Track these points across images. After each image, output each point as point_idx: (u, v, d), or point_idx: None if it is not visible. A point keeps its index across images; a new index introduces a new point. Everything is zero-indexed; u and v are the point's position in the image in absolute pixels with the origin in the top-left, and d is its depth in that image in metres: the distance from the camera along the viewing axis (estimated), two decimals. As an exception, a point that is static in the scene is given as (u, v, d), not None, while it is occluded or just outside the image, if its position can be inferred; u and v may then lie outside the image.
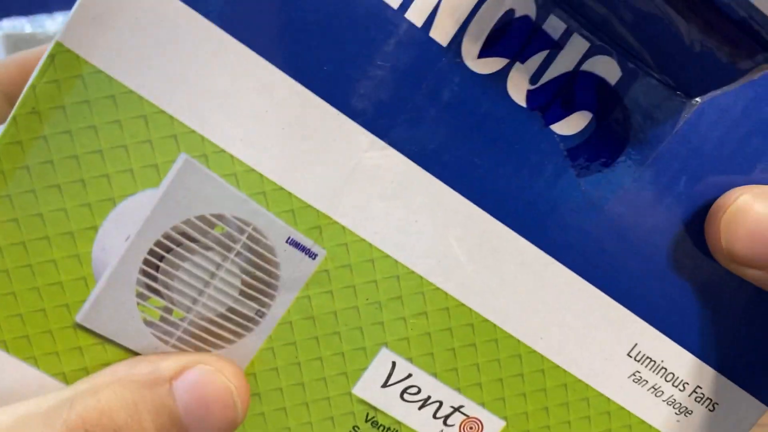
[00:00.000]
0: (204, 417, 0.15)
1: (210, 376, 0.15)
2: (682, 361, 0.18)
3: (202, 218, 0.16)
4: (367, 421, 0.17)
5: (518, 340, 0.17)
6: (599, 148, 0.16)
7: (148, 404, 0.15)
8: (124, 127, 0.15)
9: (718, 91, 0.16)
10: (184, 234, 0.16)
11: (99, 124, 0.15)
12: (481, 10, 0.15)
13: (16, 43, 0.36)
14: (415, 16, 0.15)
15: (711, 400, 0.18)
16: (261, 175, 0.16)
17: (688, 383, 0.18)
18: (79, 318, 0.16)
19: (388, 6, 0.15)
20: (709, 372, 0.18)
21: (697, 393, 0.18)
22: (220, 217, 0.16)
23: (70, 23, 0.14)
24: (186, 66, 0.15)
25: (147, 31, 0.15)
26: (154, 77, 0.15)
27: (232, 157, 0.15)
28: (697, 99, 0.16)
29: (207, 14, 0.15)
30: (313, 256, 0.16)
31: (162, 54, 0.15)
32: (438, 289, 0.17)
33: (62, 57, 0.14)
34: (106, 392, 0.15)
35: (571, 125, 0.16)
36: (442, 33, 0.15)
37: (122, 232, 0.15)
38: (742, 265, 0.16)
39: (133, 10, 0.14)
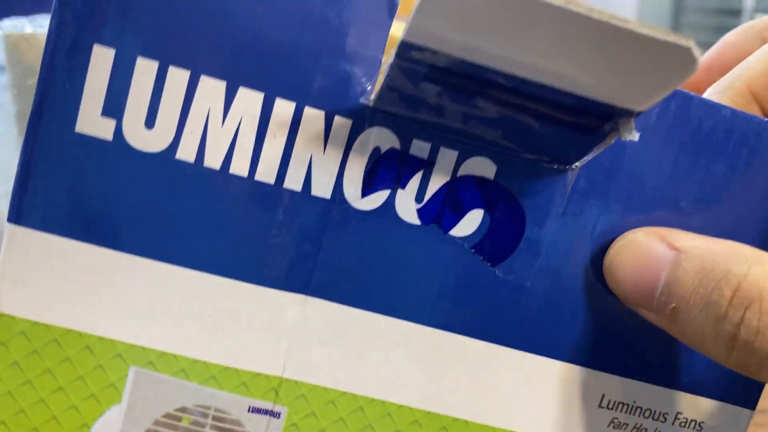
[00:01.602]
0: None
1: None
2: (653, 395, 0.19)
3: (167, 415, 0.17)
4: None
5: (492, 427, 0.18)
6: (501, 236, 0.17)
7: None
8: (74, 362, 0.17)
9: (590, 155, 0.17)
10: (157, 434, 0.17)
11: (52, 366, 0.17)
12: (350, 159, 0.17)
13: (17, 42, 0.35)
14: (293, 183, 0.16)
15: (695, 421, 0.19)
16: (205, 363, 0.17)
17: (667, 413, 0.19)
18: None
19: (265, 184, 0.16)
20: (683, 396, 0.19)
21: (679, 419, 0.19)
22: (183, 409, 0.17)
23: None
24: (109, 294, 0.16)
25: (64, 276, 0.16)
26: (83, 312, 0.16)
27: (174, 355, 0.17)
28: (577, 164, 0.17)
29: (110, 245, 0.16)
30: (277, 415, 0.17)
31: (84, 290, 0.16)
32: (402, 406, 0.18)
33: (0, 322, 0.16)
34: None
35: (467, 226, 0.17)
36: (322, 189, 0.17)
37: (103, 451, 0.17)
38: (633, 305, 0.17)
39: (46, 262, 0.16)
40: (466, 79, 0.14)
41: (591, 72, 0.14)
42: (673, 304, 0.16)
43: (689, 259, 0.16)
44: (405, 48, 0.14)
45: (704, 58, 0.23)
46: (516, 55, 0.13)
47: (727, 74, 0.19)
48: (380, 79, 0.15)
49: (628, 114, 0.15)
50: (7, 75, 0.35)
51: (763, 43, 0.22)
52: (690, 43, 0.13)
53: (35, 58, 0.35)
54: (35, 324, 0.16)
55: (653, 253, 0.17)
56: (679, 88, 0.20)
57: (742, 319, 0.15)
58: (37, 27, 0.35)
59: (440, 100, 0.15)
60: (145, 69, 0.16)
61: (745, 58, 0.21)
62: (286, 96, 0.16)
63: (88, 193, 0.16)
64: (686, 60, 0.13)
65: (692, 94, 0.17)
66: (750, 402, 0.19)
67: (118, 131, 0.16)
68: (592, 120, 0.15)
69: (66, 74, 0.15)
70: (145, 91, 0.16)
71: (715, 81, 0.21)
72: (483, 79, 0.14)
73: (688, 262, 0.16)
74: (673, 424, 0.19)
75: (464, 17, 0.13)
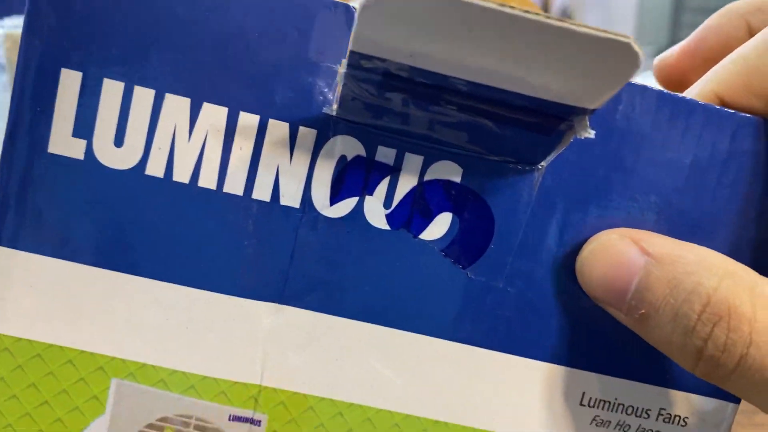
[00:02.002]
0: None
1: None
2: (634, 392, 0.19)
3: (150, 425, 0.17)
4: None
5: (473, 428, 0.18)
6: (471, 238, 0.17)
7: None
8: (58, 375, 0.17)
9: (552, 154, 0.17)
10: (141, 444, 0.17)
11: (36, 380, 0.17)
12: (317, 167, 0.17)
13: (18, 41, 0.34)
14: (261, 194, 0.17)
15: (679, 416, 0.19)
16: (184, 373, 0.17)
17: (650, 409, 0.19)
18: None
19: (233, 195, 0.17)
20: (665, 392, 0.19)
21: (663, 415, 0.19)
22: (164, 419, 0.17)
23: None
24: (88, 308, 0.17)
25: (44, 293, 0.17)
26: (64, 327, 0.17)
27: (153, 366, 0.17)
28: (542, 163, 0.17)
29: (87, 261, 0.17)
30: (257, 423, 0.18)
31: (64, 306, 0.17)
32: (381, 410, 0.18)
33: (-15, 339, 0.17)
34: None
35: (436, 230, 0.17)
36: (291, 198, 0.17)
37: (89, 462, 0.17)
38: (603, 305, 0.17)
39: (26, 280, 0.17)
40: (422, 86, 0.15)
41: (539, 73, 0.14)
42: (643, 310, 0.16)
43: (661, 266, 0.16)
44: (355, 58, 0.14)
45: (686, 44, 0.22)
46: (461, 59, 0.14)
47: (698, 81, 0.19)
48: (339, 89, 0.16)
49: (582, 112, 0.15)
50: (7, 74, 0.36)
51: (746, 26, 0.21)
52: (629, 39, 0.13)
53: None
54: (18, 340, 0.17)
55: (625, 257, 0.17)
56: (653, 79, 0.20)
57: (710, 334, 0.15)
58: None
59: (401, 107, 0.16)
60: (111, 90, 0.16)
61: (727, 42, 0.21)
62: (250, 109, 0.16)
63: (63, 211, 0.16)
64: (629, 56, 0.13)
65: (653, 87, 0.17)
66: (734, 396, 0.19)
67: (89, 151, 0.16)
68: (548, 120, 0.15)
69: (36, 98, 0.16)
70: (113, 111, 0.16)
71: (698, 66, 0.21)
72: (438, 85, 0.15)
73: (659, 270, 0.16)
74: (656, 420, 0.19)
75: (404, 25, 0.13)
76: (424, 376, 0.18)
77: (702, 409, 0.19)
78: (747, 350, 0.15)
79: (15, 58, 0.36)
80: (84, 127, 0.16)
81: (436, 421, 0.18)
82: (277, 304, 0.17)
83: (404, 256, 0.17)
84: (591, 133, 0.15)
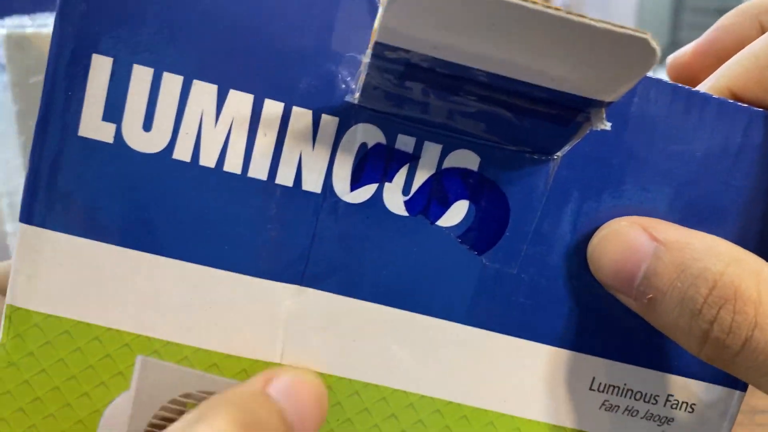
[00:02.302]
0: (304, 413, 0.16)
1: (299, 376, 0.17)
2: (643, 378, 0.19)
3: (173, 401, 0.18)
4: None
5: (485, 410, 0.19)
6: (486, 226, 0.18)
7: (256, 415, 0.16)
8: (85, 352, 0.18)
9: (568, 145, 0.17)
10: (164, 419, 0.18)
11: (64, 356, 0.18)
12: (338, 155, 0.17)
13: (18, 41, 0.36)
14: (284, 179, 0.17)
15: (687, 403, 0.19)
16: (207, 351, 0.18)
17: (658, 395, 0.19)
18: None
19: (257, 180, 0.17)
20: (673, 379, 0.19)
21: (671, 401, 0.19)
22: (187, 395, 0.18)
23: (12, 286, 0.17)
24: (115, 287, 0.17)
25: (73, 271, 0.17)
26: (92, 305, 0.17)
27: (178, 344, 0.18)
28: (558, 153, 0.18)
29: (114, 241, 0.17)
30: (276, 400, 0.18)
31: (92, 285, 0.17)
32: (396, 390, 0.19)
33: (16, 315, 0.17)
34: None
35: (453, 217, 0.18)
36: (313, 184, 0.17)
37: (115, 434, 0.18)
38: (613, 291, 0.17)
39: (56, 259, 0.17)
40: (443, 76, 0.15)
41: (558, 66, 0.14)
42: (651, 295, 0.16)
43: (669, 252, 0.16)
44: (379, 48, 0.14)
45: (700, 43, 0.23)
46: (483, 51, 0.14)
47: (710, 76, 0.19)
48: (362, 78, 0.16)
49: (599, 105, 0.15)
50: (7, 74, 0.36)
51: (759, 26, 0.22)
52: (647, 34, 0.13)
53: (36, 56, 0.35)
54: (48, 317, 0.17)
55: (635, 244, 0.17)
56: (666, 75, 0.21)
57: (715, 317, 0.16)
58: (38, 26, 0.36)
59: (421, 97, 0.16)
60: (141, 76, 0.17)
61: (740, 42, 0.21)
62: (275, 97, 0.17)
63: (92, 192, 0.17)
64: (646, 51, 0.13)
65: (667, 81, 0.18)
66: (740, 383, 0.19)
67: (118, 134, 0.17)
68: (566, 111, 0.16)
69: (68, 83, 0.16)
70: (142, 97, 0.17)
71: (711, 65, 0.22)
72: (458, 75, 0.15)
73: (667, 256, 0.16)
74: (664, 406, 0.19)
75: (430, 17, 0.13)
76: (439, 358, 0.18)
77: (709, 396, 0.19)
78: (752, 333, 0.15)
79: (16, 58, 0.36)
80: (114, 111, 0.17)
81: (449, 402, 0.19)
82: (298, 286, 0.18)
83: (421, 242, 0.18)
84: (607, 125, 0.15)
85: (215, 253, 0.17)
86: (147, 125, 0.17)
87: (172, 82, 0.17)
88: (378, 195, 0.18)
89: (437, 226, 0.18)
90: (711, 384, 0.19)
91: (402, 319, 0.18)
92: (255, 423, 0.15)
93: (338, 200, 0.18)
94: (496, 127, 0.17)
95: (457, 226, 0.18)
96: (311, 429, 0.17)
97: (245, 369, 0.18)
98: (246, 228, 0.17)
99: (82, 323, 0.18)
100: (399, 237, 0.18)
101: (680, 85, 0.18)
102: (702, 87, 0.19)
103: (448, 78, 0.15)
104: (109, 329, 0.18)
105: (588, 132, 0.16)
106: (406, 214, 0.18)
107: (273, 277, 0.18)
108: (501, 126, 0.17)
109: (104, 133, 0.17)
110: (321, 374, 0.18)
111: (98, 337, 0.18)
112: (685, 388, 0.19)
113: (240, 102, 0.17)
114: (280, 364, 0.18)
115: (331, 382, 0.18)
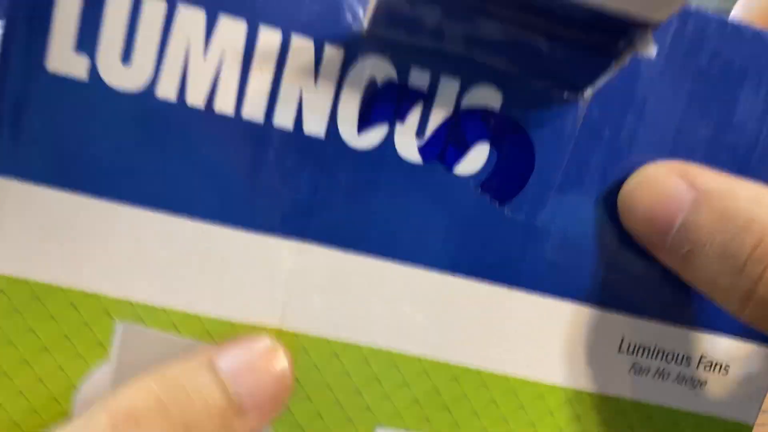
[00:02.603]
0: (258, 391, 0.15)
1: (256, 349, 0.15)
2: (675, 337, 0.18)
3: (160, 373, 0.16)
4: None
5: (507, 377, 0.17)
6: (509, 173, 0.16)
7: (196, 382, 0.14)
8: (58, 319, 0.16)
9: (602, 79, 0.15)
10: (149, 393, 0.16)
11: (34, 325, 0.15)
12: (343, 92, 0.15)
13: None
14: (283, 121, 0.15)
15: (721, 364, 0.18)
16: (197, 316, 0.16)
17: (691, 356, 0.18)
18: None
19: (252, 123, 0.15)
20: (707, 338, 0.18)
21: (703, 362, 0.18)
22: (176, 366, 0.16)
23: None
24: (92, 245, 0.15)
25: (43, 227, 0.15)
26: (65, 266, 0.15)
27: (164, 309, 0.16)
28: (589, 91, 0.16)
29: (91, 192, 0.15)
30: (276, 370, 0.16)
31: (65, 242, 0.15)
32: (409, 356, 0.17)
33: (-23, 279, 0.15)
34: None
35: (472, 163, 0.16)
36: (315, 126, 0.15)
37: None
38: (645, 243, 0.16)
39: (23, 213, 0.15)
40: None
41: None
42: (688, 248, 0.15)
43: (710, 201, 0.15)
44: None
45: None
46: None
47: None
48: (373, 0, 0.14)
49: (644, 27, 0.13)
50: None
51: None
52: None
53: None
54: (14, 280, 0.15)
55: (672, 191, 0.15)
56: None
57: (761, 275, 0.14)
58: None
59: (439, 22, 0.14)
60: None
61: None
62: (271, 23, 0.15)
63: (65, 137, 0.15)
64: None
65: (710, 14, 0.16)
66: (779, 342, 0.18)
67: (93, 68, 0.15)
68: (605, 37, 0.14)
69: (31, 6, 0.14)
70: (120, 24, 0.14)
71: None
72: None
73: (708, 205, 0.15)
74: (697, 367, 0.18)
75: None
76: (457, 319, 0.17)
77: (744, 356, 0.18)
78: None
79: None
80: (87, 41, 0.14)
81: (467, 368, 0.17)
82: (300, 243, 0.16)
83: (437, 192, 0.16)
84: (653, 51, 0.14)
85: (205, 204, 0.15)
86: (126, 57, 0.15)
87: (154, 7, 0.14)
88: (389, 139, 0.16)
89: (453, 174, 0.16)
90: (747, 343, 0.18)
91: (415, 276, 0.16)
92: (184, 397, 0.14)
93: (344, 145, 0.16)
94: (523, 58, 0.15)
95: (476, 173, 0.16)
96: (268, 410, 0.15)
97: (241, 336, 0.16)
98: (240, 176, 0.15)
99: (53, 287, 0.15)
100: (412, 187, 0.16)
101: (714, 15, 0.16)
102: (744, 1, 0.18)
103: None
104: (85, 293, 0.15)
105: (624, 65, 0.15)
106: (420, 161, 0.16)
107: (272, 231, 0.16)
108: (528, 57, 0.15)
109: (76, 66, 0.14)
110: (326, 340, 0.16)
111: (72, 302, 0.16)
112: (719, 347, 0.18)
113: (231, 30, 0.15)
114: (279, 330, 0.16)
115: (338, 349, 0.16)
